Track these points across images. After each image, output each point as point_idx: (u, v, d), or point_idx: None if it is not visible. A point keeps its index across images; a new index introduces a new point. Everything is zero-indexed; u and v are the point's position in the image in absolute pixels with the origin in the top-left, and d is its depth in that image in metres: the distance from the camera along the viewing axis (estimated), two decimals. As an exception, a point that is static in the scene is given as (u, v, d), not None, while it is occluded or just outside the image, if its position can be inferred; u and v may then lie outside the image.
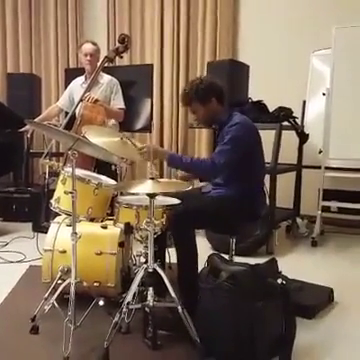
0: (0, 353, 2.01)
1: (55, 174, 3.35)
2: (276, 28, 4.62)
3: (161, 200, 2.35)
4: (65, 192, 2.11)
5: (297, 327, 1.98)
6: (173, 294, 2.04)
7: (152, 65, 4.61)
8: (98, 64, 3.55)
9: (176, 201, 2.38)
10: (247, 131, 2.34)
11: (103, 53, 3.73)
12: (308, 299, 2.50)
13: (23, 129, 3.95)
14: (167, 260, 2.68)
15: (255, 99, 3.78)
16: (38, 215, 3.84)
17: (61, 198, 2.30)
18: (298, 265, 3.30)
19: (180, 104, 2.55)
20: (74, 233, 2.05)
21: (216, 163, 2.26)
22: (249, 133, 2.35)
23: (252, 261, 2.15)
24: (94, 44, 3.67)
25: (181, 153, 4.88)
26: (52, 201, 2.36)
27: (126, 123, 3.89)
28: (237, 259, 2.55)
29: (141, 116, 4.36)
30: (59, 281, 2.29)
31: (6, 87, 5.33)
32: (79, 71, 3.90)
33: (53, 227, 2.52)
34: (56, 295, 2.14)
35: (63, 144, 4.69)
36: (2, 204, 4.47)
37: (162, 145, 5.23)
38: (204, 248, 3.30)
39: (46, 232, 2.56)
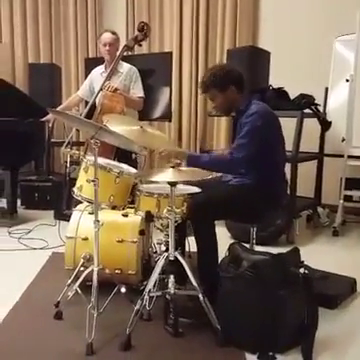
0: (25, 338, 2.06)
1: (76, 163, 3.38)
2: (298, 13, 4.52)
3: (182, 188, 2.36)
4: (87, 180, 2.14)
5: (319, 317, 1.97)
6: (194, 282, 2.05)
7: (171, 53, 4.59)
8: (117, 53, 3.55)
9: (197, 190, 2.38)
10: (265, 121, 2.29)
11: (122, 42, 3.73)
12: (331, 289, 2.47)
13: (45, 118, 3.99)
14: (187, 249, 2.69)
15: (276, 86, 3.72)
16: (60, 203, 3.89)
17: (83, 186, 2.32)
18: (319, 255, 3.26)
19: (199, 91, 2.53)
20: (96, 221, 2.07)
21: (234, 159, 2.24)
22: (267, 122, 2.30)
23: (272, 250, 2.14)
24: (113, 33, 3.66)
25: (200, 142, 4.87)
26: (74, 189, 2.39)
27: (145, 112, 3.89)
28: (257, 248, 2.54)
29: (160, 104, 4.35)
30: (81, 268, 2.32)
31: (27, 77, 5.41)
32: (99, 60, 3.91)
33: (75, 215, 2.55)
34: (79, 282, 2.17)
35: (84, 133, 4.72)
36: (25, 192, 4.54)
37: (181, 133, 5.22)
38: (223, 237, 3.30)
39: (68, 220, 2.60)
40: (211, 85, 2.36)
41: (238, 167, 2.33)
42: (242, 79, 2.40)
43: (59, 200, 3.90)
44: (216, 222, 2.26)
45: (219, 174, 2.66)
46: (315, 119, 3.92)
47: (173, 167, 2.07)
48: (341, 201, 3.90)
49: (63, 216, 3.56)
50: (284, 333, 1.90)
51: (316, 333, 1.94)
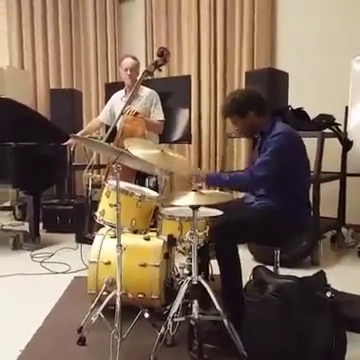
0: (48, 364, 2.05)
1: (97, 186, 3.42)
2: (315, 34, 4.53)
3: (204, 211, 2.35)
4: (110, 205, 2.15)
5: (348, 342, 1.91)
6: (218, 307, 2.02)
7: (190, 76, 4.63)
8: (138, 78, 3.61)
9: (219, 212, 2.37)
10: (289, 141, 2.30)
11: (142, 66, 3.79)
12: (358, 313, 2.41)
13: (66, 143, 4.06)
14: (209, 272, 2.66)
15: (295, 107, 3.71)
16: (81, 226, 3.90)
17: (106, 211, 2.33)
18: (344, 276, 3.18)
19: (220, 116, 2.59)
20: (119, 245, 2.07)
21: (255, 176, 2.25)
22: (292, 143, 2.31)
23: (297, 273, 2.10)
24: (134, 59, 3.73)
25: (220, 164, 4.86)
26: (97, 214, 2.40)
27: (165, 134, 3.92)
28: (281, 271, 2.50)
29: (179, 127, 4.39)
30: (104, 292, 2.32)
31: (49, 102, 5.53)
32: (118, 85, 3.98)
33: (98, 239, 2.56)
34: (102, 307, 2.17)
35: (105, 156, 4.78)
36: (46, 216, 4.59)
37: (201, 155, 5.23)
38: (246, 259, 3.24)
39: (89, 243, 2.61)
40: (231, 111, 2.40)
41: (258, 185, 2.34)
42: (262, 102, 2.41)
43: (81, 223, 3.92)
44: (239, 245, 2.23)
45: (241, 196, 2.64)
46: (336, 139, 3.88)
47: (195, 190, 2.06)
48: (365, 221, 3.83)
49: (85, 239, 3.57)
50: (311, 359, 1.85)
51: (344, 359, 1.88)
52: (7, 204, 5.39)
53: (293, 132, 2.36)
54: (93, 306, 2.32)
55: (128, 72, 3.66)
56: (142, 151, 2.28)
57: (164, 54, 3.39)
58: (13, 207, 5.27)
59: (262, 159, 2.27)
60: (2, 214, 5.39)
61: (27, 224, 4.13)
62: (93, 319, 2.16)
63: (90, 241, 2.61)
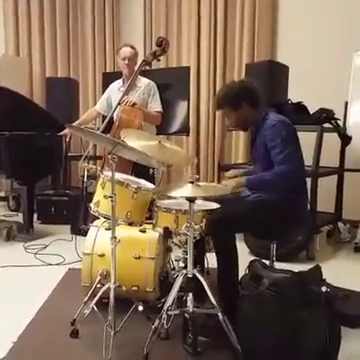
0: (41, 356, 2.03)
1: (93, 177, 3.38)
2: (316, 27, 4.50)
3: (200, 204, 2.32)
4: (105, 196, 2.12)
5: (342, 337, 1.90)
6: (213, 301, 2.01)
7: (189, 67, 4.60)
8: (136, 68, 3.56)
9: (215, 205, 2.34)
10: (290, 128, 2.30)
11: (140, 56, 3.74)
12: (353, 308, 2.41)
13: (62, 133, 4.01)
14: (205, 265, 2.64)
15: (295, 100, 3.68)
16: (76, 218, 3.87)
17: (100, 202, 2.30)
18: (340, 271, 3.18)
19: (214, 108, 2.57)
20: (113, 237, 2.04)
21: (293, 170, 2.21)
22: (291, 131, 2.30)
23: (293, 267, 2.09)
24: (132, 48, 3.67)
25: (218, 156, 4.83)
26: (91, 205, 2.37)
27: (163, 126, 3.88)
28: (277, 265, 2.49)
29: (178, 119, 4.35)
30: (98, 285, 2.29)
31: (45, 91, 5.47)
32: (116, 75, 3.93)
33: (92, 231, 2.53)
34: (96, 299, 2.15)
35: (101, 147, 4.74)
36: (41, 207, 4.55)
37: (199, 147, 5.20)
38: (242, 253, 3.21)
39: (84, 235, 2.58)
40: (223, 103, 2.38)
41: (300, 175, 2.30)
42: (256, 95, 2.39)
43: (76, 215, 3.88)
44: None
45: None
46: (335, 134, 3.87)
47: (192, 182, 2.03)
48: (362, 216, 3.83)
49: (80, 231, 3.54)
50: (305, 354, 1.84)
51: (338, 354, 1.87)
52: (1, 194, 5.35)
53: (288, 121, 2.34)
54: (86, 299, 2.29)
55: (126, 61, 3.61)
56: (139, 142, 2.25)
57: (163, 44, 3.33)
58: (7, 197, 5.22)
59: (285, 153, 2.20)
60: (-4, 204, 5.36)
61: (21, 215, 4.10)
62: (86, 312, 2.14)
63: (85, 233, 2.58)
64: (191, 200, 2.01)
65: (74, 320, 2.24)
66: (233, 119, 2.42)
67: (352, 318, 2.32)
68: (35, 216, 4.33)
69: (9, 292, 2.80)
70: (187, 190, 1.98)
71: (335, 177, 4.04)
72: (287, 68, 3.92)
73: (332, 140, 3.85)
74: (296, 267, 2.07)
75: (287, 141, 2.23)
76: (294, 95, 3.76)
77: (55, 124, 3.95)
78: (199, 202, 2.31)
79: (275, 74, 3.75)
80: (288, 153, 2.21)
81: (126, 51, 3.63)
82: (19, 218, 4.29)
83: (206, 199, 2.40)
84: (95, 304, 2.13)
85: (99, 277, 2.33)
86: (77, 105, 5.40)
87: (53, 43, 5.75)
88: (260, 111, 2.38)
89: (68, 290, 2.76)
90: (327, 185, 3.85)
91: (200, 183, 2.13)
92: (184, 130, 4.35)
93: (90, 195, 2.50)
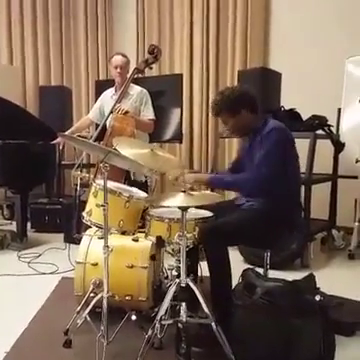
0: (33, 367, 2.01)
1: (86, 185, 3.36)
2: (309, 34, 4.53)
3: (193, 213, 2.31)
4: (97, 205, 2.11)
5: (336, 345, 1.89)
6: (206, 310, 1.99)
7: (181, 75, 4.61)
8: (128, 76, 3.56)
9: (208, 214, 2.33)
10: (284, 136, 2.27)
11: (133, 64, 3.75)
12: (347, 316, 2.39)
13: (55, 141, 4.00)
14: (199, 273, 2.63)
15: (288, 107, 3.70)
16: (70, 226, 3.85)
17: (93, 211, 2.29)
18: (334, 279, 3.17)
19: (210, 114, 2.50)
20: (106, 246, 2.03)
21: (262, 175, 2.19)
22: (286, 138, 2.28)
23: (287, 275, 2.09)
24: (124, 56, 3.68)
25: (211, 163, 4.83)
26: (84, 214, 2.35)
27: (156, 134, 3.88)
28: (271, 273, 2.48)
29: (171, 126, 4.35)
30: (91, 294, 2.27)
31: (38, 100, 5.45)
32: (109, 83, 3.94)
33: (85, 240, 2.51)
34: (88, 309, 2.13)
35: (94, 156, 4.73)
36: (35, 215, 4.52)
37: (192, 155, 5.20)
38: (236, 261, 3.23)
39: (78, 243, 2.56)
40: (222, 109, 2.33)
41: (264, 183, 2.24)
42: (254, 100, 2.36)
43: (69, 223, 3.87)
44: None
45: (231, 197, 2.61)
46: (328, 140, 3.87)
47: (184, 191, 2.02)
48: (356, 223, 3.82)
49: (73, 239, 3.52)
50: (300, 363, 1.83)
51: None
52: (-5, 203, 5.31)
53: (284, 127, 2.32)
54: (79, 308, 2.27)
55: (118, 70, 3.62)
56: (131, 150, 2.25)
57: (155, 52, 3.35)
58: (1, 206, 5.20)
59: (262, 159, 2.21)
60: (-10, 213, 5.33)
61: (15, 223, 4.07)
62: (79, 322, 2.13)
63: (79, 241, 2.56)
64: (183, 209, 2.00)
65: (67, 330, 2.21)
66: (231, 125, 2.36)
67: (346, 326, 2.30)
68: (29, 225, 4.30)
69: (2, 301, 2.77)
70: (179, 199, 1.98)
71: (329, 184, 4.04)
72: (280, 75, 3.93)
73: (325, 147, 3.86)
74: (290, 275, 2.06)
75: (274, 148, 2.20)
76: (287, 102, 3.77)
77: (48, 132, 3.94)
78: (192, 210, 2.30)
79: (268, 81, 3.75)
80: (263, 161, 2.20)
81: (118, 59, 3.64)
82: (13, 227, 4.27)
83: (199, 207, 2.38)
84: (88, 313, 2.11)
85: (92, 286, 2.30)
86: (70, 113, 5.39)
87: (46, 52, 5.75)
88: (258, 116, 2.36)
89: (61, 299, 2.74)
90: (321, 192, 3.85)
91: (192, 192, 2.12)
92: (177, 138, 4.35)
93: (83, 204, 2.49)
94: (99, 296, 2.09)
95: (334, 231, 4.06)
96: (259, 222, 2.22)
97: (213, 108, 2.38)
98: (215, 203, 2.27)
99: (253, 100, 2.36)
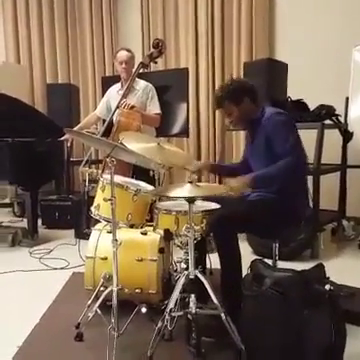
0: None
1: (94, 181, 3.38)
2: (314, 24, 4.48)
3: (200, 205, 2.32)
4: (104, 199, 2.12)
5: (347, 335, 1.88)
6: (216, 301, 2.00)
7: (187, 69, 4.60)
8: (133, 71, 3.57)
9: (216, 205, 2.33)
10: (285, 116, 2.29)
11: (138, 59, 3.75)
12: (358, 305, 2.38)
13: (63, 138, 4.03)
14: (208, 266, 2.64)
15: (295, 98, 3.67)
16: (80, 222, 3.89)
17: (101, 205, 2.30)
18: (345, 269, 3.16)
19: (214, 107, 2.54)
20: (114, 240, 2.04)
21: (300, 160, 2.21)
22: (288, 118, 2.30)
23: (296, 266, 2.07)
24: (129, 51, 3.69)
25: (219, 157, 4.81)
26: (92, 208, 2.37)
27: (162, 128, 3.89)
28: (281, 264, 2.48)
29: (177, 121, 4.35)
30: (101, 288, 2.29)
31: (46, 97, 5.49)
32: (115, 79, 3.94)
33: (94, 234, 2.54)
34: (99, 302, 2.15)
35: (102, 151, 4.75)
36: (45, 212, 4.57)
37: (199, 149, 5.19)
38: (245, 253, 3.19)
39: (88, 238, 2.58)
40: (225, 99, 2.35)
41: (305, 163, 2.30)
42: (255, 90, 2.40)
43: (79, 219, 3.90)
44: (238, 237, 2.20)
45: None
46: (336, 130, 3.84)
47: (191, 182, 2.02)
48: (366, 213, 3.80)
49: (83, 235, 3.55)
50: (310, 353, 1.82)
51: (344, 352, 1.85)
52: (6, 201, 5.36)
53: (284, 112, 2.34)
54: (90, 302, 2.30)
55: (123, 65, 3.62)
56: (137, 144, 2.25)
57: (159, 46, 3.34)
58: (12, 204, 5.25)
59: (289, 143, 2.18)
60: (1, 211, 5.38)
61: (25, 220, 4.11)
62: (90, 315, 2.15)
63: (88, 237, 2.58)
64: (191, 201, 2.00)
65: (78, 323, 2.25)
66: (235, 115, 2.37)
67: (357, 316, 2.30)
68: (39, 221, 4.34)
69: (14, 296, 2.81)
70: (186, 190, 1.98)
71: (338, 174, 4.01)
72: (286, 65, 3.90)
73: (333, 137, 3.83)
74: (300, 266, 2.05)
75: (289, 131, 2.23)
76: (294, 92, 3.75)
77: (56, 130, 3.96)
78: (199, 203, 2.30)
79: (274, 72, 3.73)
80: (292, 144, 2.20)
81: (123, 55, 3.64)
82: (24, 224, 4.31)
83: (206, 199, 2.39)
84: (99, 307, 2.13)
85: (102, 280, 2.32)
86: (78, 110, 5.43)
87: (53, 50, 5.78)
88: (258, 108, 2.39)
89: (72, 294, 2.77)
90: (330, 182, 3.83)
91: (199, 183, 2.12)
92: (184, 132, 4.35)
93: (92, 199, 2.50)
94: (109, 289, 2.10)
95: (344, 221, 4.04)
96: (266, 212, 2.22)
97: (216, 99, 2.41)
98: (222, 195, 2.27)
99: (254, 89, 2.40)
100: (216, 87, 4.90)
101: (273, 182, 2.25)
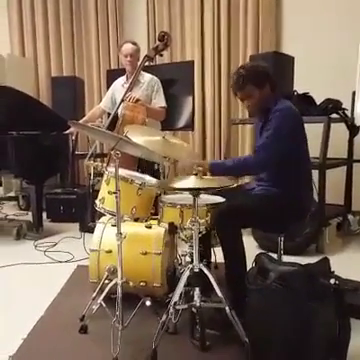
0: (50, 352, 2.04)
1: (100, 175, 3.38)
2: (321, 17, 4.45)
3: (205, 198, 2.31)
4: (109, 192, 2.12)
5: (352, 329, 1.87)
6: (220, 294, 2.00)
7: (193, 62, 4.58)
8: (138, 63, 3.55)
9: (220, 199, 2.32)
10: (288, 118, 2.20)
11: (143, 52, 3.73)
12: (363, 300, 2.37)
13: (68, 131, 4.02)
14: (213, 259, 2.64)
15: (301, 91, 3.64)
16: (84, 215, 3.89)
17: (105, 198, 2.30)
18: (350, 264, 3.16)
19: (231, 89, 2.37)
20: (119, 233, 2.04)
21: (261, 159, 2.18)
22: (292, 121, 2.22)
23: (301, 260, 2.06)
24: (134, 44, 3.66)
25: (224, 150, 4.80)
26: (97, 201, 2.37)
27: (168, 121, 3.87)
28: (286, 258, 2.47)
29: (183, 114, 4.33)
30: (106, 281, 2.30)
31: (51, 90, 5.49)
32: (120, 72, 3.92)
33: (99, 227, 2.54)
34: (103, 295, 2.16)
35: (107, 145, 4.75)
36: (50, 205, 4.58)
37: (205, 142, 5.17)
38: (250, 247, 3.20)
39: (93, 232, 2.58)
40: (249, 81, 2.21)
41: (264, 167, 2.24)
42: (275, 79, 2.30)
43: (84, 212, 3.90)
44: (243, 231, 2.18)
45: (245, 181, 2.60)
46: (343, 124, 3.81)
47: (196, 174, 2.01)
48: (373, 208, 3.78)
49: (88, 228, 3.56)
50: (315, 347, 1.82)
51: (349, 346, 1.85)
52: (11, 194, 5.39)
53: (292, 109, 2.25)
54: (95, 295, 2.30)
55: (128, 58, 3.61)
56: (142, 138, 2.24)
57: (165, 38, 3.32)
58: (17, 197, 5.27)
59: (265, 141, 2.19)
60: (7, 204, 5.41)
61: (30, 214, 4.13)
62: (94, 308, 2.16)
63: (93, 230, 2.59)
64: (195, 194, 2.00)
65: (83, 316, 2.26)
66: (255, 100, 2.25)
67: (361, 309, 2.29)
68: (44, 215, 4.35)
69: (19, 289, 2.82)
70: (191, 182, 1.97)
71: (344, 168, 3.98)
72: (292, 59, 3.87)
73: (340, 131, 3.80)
74: (305, 260, 2.04)
75: (276, 132, 2.16)
76: (300, 86, 3.71)
77: (61, 123, 3.95)
78: (204, 196, 2.30)
79: (280, 65, 3.69)
80: (267, 142, 2.16)
81: (128, 48, 3.62)
82: (29, 217, 4.33)
83: (211, 193, 2.38)
84: (103, 300, 2.14)
85: (106, 273, 2.33)
86: (83, 103, 5.42)
87: (58, 42, 5.76)
88: (275, 97, 2.29)
89: (77, 286, 2.78)
90: (336, 177, 3.80)
91: (204, 176, 2.12)
92: (189, 125, 4.34)
93: (97, 193, 2.50)
94: (113, 282, 2.11)
95: (350, 216, 4.02)
96: (270, 206, 2.21)
97: (237, 80, 2.24)
98: (227, 188, 2.25)
99: (274, 78, 2.30)
100: (222, 80, 4.90)
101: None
